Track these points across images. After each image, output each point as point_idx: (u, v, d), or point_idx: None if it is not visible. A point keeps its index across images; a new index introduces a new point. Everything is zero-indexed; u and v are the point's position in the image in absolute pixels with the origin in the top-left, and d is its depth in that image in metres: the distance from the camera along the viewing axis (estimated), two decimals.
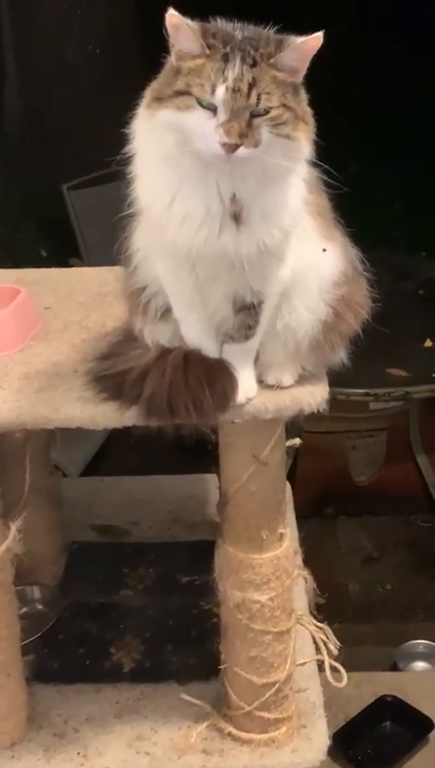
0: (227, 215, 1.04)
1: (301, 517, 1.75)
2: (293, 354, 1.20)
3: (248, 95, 0.95)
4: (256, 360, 1.21)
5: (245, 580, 1.31)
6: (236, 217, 1.03)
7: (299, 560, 1.64)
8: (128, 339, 1.28)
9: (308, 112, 1.03)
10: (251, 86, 0.95)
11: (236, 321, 1.15)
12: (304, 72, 1.00)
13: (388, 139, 3.85)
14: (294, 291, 1.16)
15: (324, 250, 1.15)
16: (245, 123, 0.96)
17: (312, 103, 1.03)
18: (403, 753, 1.82)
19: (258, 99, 0.96)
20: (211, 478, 1.89)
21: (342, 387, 2.48)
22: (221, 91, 0.95)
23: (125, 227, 1.17)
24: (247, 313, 1.14)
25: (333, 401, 1.23)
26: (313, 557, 1.72)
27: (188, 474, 1.95)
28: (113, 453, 2.77)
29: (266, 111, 0.97)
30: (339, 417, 2.68)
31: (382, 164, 3.81)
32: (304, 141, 1.01)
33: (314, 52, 0.97)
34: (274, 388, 1.22)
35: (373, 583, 2.61)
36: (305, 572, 1.62)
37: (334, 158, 1.08)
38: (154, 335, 1.22)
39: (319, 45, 0.97)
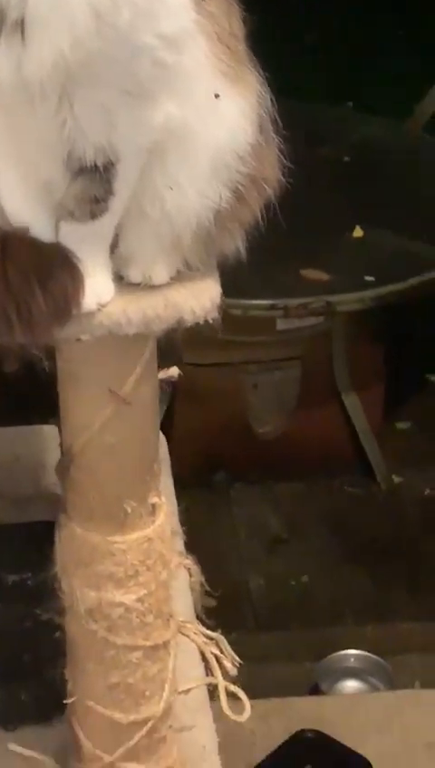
0: None
1: (181, 486, 1.76)
2: (169, 246, 1.19)
3: None
4: (114, 247, 1.18)
5: (101, 573, 1.31)
6: (2, 19, 0.97)
7: (180, 544, 1.65)
8: None
9: None
10: None
11: (75, 190, 1.11)
12: None
13: None
14: (173, 152, 1.12)
15: (217, 95, 1.10)
16: None
17: None
18: None
19: None
20: (49, 431, 1.88)
21: (236, 297, 2.47)
22: None
23: None
24: (91, 178, 1.09)
25: (223, 318, 1.20)
26: (199, 541, 1.74)
27: (13, 425, 1.93)
28: None
29: None
30: (232, 342, 2.69)
31: None
32: None
33: None
34: (140, 287, 1.19)
35: (283, 576, 2.67)
36: (189, 561, 1.64)
37: None
38: None
39: None
